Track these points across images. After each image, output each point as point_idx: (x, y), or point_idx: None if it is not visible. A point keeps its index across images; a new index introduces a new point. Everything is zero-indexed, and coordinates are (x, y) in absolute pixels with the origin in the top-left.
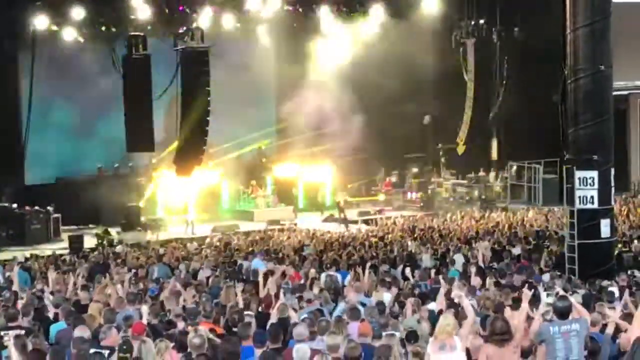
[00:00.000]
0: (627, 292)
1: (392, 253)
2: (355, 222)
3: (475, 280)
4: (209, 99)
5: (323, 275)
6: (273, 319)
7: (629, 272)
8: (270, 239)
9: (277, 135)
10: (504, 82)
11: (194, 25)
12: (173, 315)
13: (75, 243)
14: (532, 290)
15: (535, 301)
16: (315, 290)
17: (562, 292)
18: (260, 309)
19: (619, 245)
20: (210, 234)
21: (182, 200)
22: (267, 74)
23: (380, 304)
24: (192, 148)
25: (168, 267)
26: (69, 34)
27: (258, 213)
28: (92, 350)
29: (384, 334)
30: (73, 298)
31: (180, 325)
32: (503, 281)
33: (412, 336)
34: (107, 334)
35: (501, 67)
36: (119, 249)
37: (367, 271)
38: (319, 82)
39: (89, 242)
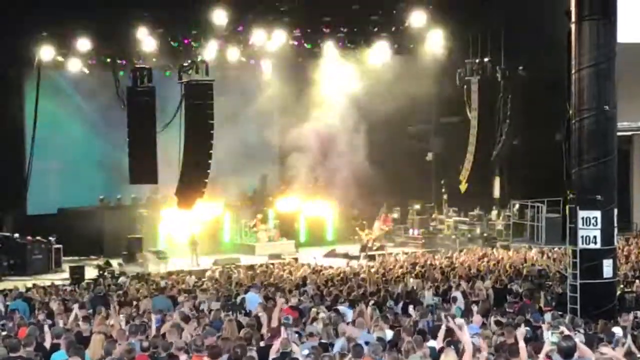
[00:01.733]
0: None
1: (394, 290)
2: (357, 257)
3: (477, 319)
4: (212, 132)
5: (324, 310)
6: (274, 353)
7: (632, 313)
8: (271, 273)
9: (280, 169)
10: (508, 120)
11: (199, 58)
12: (175, 349)
13: (76, 274)
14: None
15: (535, 340)
16: (318, 325)
17: (566, 332)
18: (262, 343)
19: (621, 286)
20: (211, 267)
21: (184, 233)
22: (270, 107)
23: (381, 341)
24: (194, 181)
25: (169, 300)
26: (74, 65)
27: (259, 247)
28: None
29: None
30: (75, 329)
31: (183, 358)
32: (504, 320)
33: None
34: None
35: (505, 105)
36: (120, 280)
37: (369, 307)
38: (323, 117)
39: (90, 273)
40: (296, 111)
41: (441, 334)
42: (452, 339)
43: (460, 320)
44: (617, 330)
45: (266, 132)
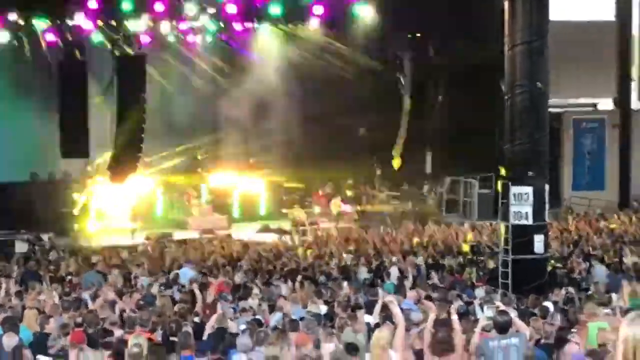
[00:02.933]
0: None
1: (327, 265)
2: (290, 232)
3: (411, 294)
4: (145, 105)
5: (257, 285)
6: (210, 328)
7: (563, 288)
8: (204, 248)
9: (213, 145)
10: (440, 96)
11: (132, 32)
12: (108, 324)
13: (6, 248)
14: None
15: (467, 315)
16: (253, 300)
17: (501, 307)
18: (196, 319)
19: (552, 262)
20: (143, 242)
21: (116, 207)
22: (205, 83)
23: (317, 316)
24: (127, 155)
25: (101, 275)
26: (3, 37)
27: (192, 222)
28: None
29: (322, 345)
30: (6, 304)
31: (117, 333)
32: (435, 295)
33: (352, 348)
34: (56, 342)
35: (437, 81)
36: (51, 255)
37: (301, 282)
38: (255, 92)
39: (21, 247)
40: (229, 85)
41: (377, 309)
42: (387, 314)
43: (391, 296)
44: (549, 305)
45: (199, 105)
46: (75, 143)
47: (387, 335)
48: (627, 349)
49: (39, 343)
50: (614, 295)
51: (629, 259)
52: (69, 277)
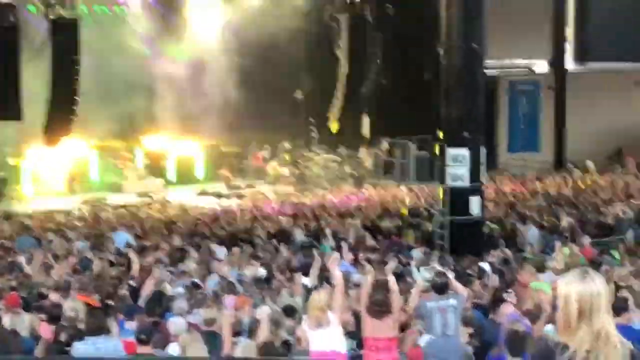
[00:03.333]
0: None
1: (264, 228)
2: (227, 196)
3: (348, 256)
4: (78, 68)
5: (195, 249)
6: (147, 292)
7: (499, 249)
8: (140, 211)
9: (148, 109)
10: (377, 59)
11: None
12: (44, 288)
13: None
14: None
15: (404, 277)
16: (190, 263)
17: (439, 268)
18: (132, 282)
19: (488, 223)
20: (79, 205)
21: (50, 171)
22: (139, 45)
23: (255, 279)
24: (61, 118)
25: (35, 239)
26: None
27: (127, 186)
28: None
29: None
30: None
31: (53, 297)
32: (373, 257)
33: (290, 311)
34: None
35: (374, 43)
36: None
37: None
38: (192, 55)
39: None
40: (164, 47)
41: (313, 271)
42: (324, 276)
43: (334, 255)
44: (485, 267)
45: (134, 68)
46: (7, 106)
47: (325, 297)
48: (575, 306)
49: None
50: (548, 257)
51: (564, 221)
52: (3, 242)
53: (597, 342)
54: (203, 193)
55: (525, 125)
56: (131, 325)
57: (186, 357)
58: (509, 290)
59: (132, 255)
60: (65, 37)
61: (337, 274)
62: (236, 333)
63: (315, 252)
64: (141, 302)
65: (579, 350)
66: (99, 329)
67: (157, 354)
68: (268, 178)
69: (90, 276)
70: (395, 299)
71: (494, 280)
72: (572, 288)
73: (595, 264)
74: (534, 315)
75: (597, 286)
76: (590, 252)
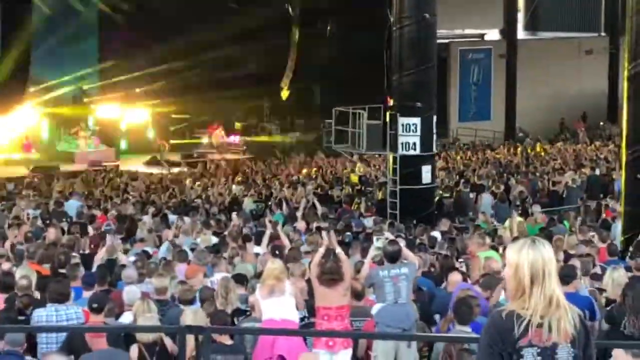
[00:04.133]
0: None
1: (218, 196)
2: (179, 164)
3: (300, 225)
4: (31, 33)
5: (147, 217)
6: (99, 260)
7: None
8: (91, 180)
9: (100, 76)
10: (329, 28)
11: None
12: None
13: None
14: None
15: (355, 245)
16: (143, 232)
17: (391, 237)
18: (85, 250)
19: (440, 192)
20: (29, 173)
21: (1, 139)
22: (92, 13)
23: (207, 246)
24: (13, 86)
25: None
26: None
27: (79, 154)
28: None
29: (214, 275)
30: None
31: (5, 266)
32: (325, 224)
33: (242, 279)
34: None
35: (326, 12)
36: None
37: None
38: (145, 24)
39: None
40: (116, 14)
41: (265, 239)
42: (275, 245)
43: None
44: (436, 235)
45: (87, 36)
46: None
47: (280, 265)
48: (527, 272)
49: None
50: (499, 225)
51: (515, 190)
52: None
53: (550, 308)
54: (154, 161)
55: (477, 94)
56: (87, 294)
57: (138, 326)
58: (460, 259)
59: (84, 223)
60: (17, 4)
61: (288, 244)
62: (187, 301)
63: (265, 220)
64: (94, 270)
65: (534, 316)
66: (63, 296)
67: (110, 322)
68: (219, 147)
69: (43, 244)
70: (346, 267)
71: (445, 248)
72: (523, 255)
73: (546, 233)
74: (486, 283)
75: (547, 253)
76: (541, 220)
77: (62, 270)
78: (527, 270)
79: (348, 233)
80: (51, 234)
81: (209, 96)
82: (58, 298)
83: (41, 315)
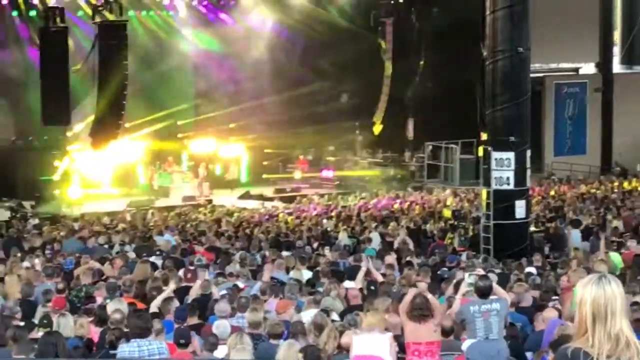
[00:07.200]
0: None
1: (309, 231)
2: (272, 199)
3: (389, 259)
4: (126, 72)
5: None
6: (193, 294)
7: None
8: (185, 214)
9: (194, 112)
10: (422, 62)
11: None
12: (91, 290)
13: None
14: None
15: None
16: (235, 266)
17: (482, 272)
18: (179, 285)
19: (532, 226)
20: (125, 208)
21: (97, 174)
22: (185, 50)
23: (299, 282)
24: (108, 122)
25: (82, 242)
26: None
27: (174, 189)
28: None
29: (303, 311)
30: None
31: (99, 299)
32: (418, 260)
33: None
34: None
35: (419, 47)
36: (33, 222)
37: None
38: (237, 60)
39: (1, 215)
40: (210, 51)
41: (360, 274)
42: (371, 280)
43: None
44: (530, 270)
45: (181, 73)
46: (57, 110)
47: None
48: (589, 309)
49: (23, 310)
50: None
51: (610, 225)
52: (51, 244)
53: (617, 347)
54: (247, 196)
55: (572, 128)
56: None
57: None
58: (554, 295)
59: (178, 258)
60: (113, 40)
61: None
62: (277, 335)
63: (361, 255)
64: (187, 303)
65: (600, 356)
66: (143, 331)
67: (205, 357)
68: (312, 181)
69: (136, 278)
70: (435, 303)
71: (538, 284)
72: (587, 292)
73: (636, 268)
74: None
75: (612, 290)
76: (631, 255)
77: (155, 304)
78: (589, 307)
79: (444, 268)
80: (144, 268)
81: (301, 131)
82: (139, 333)
83: (124, 351)
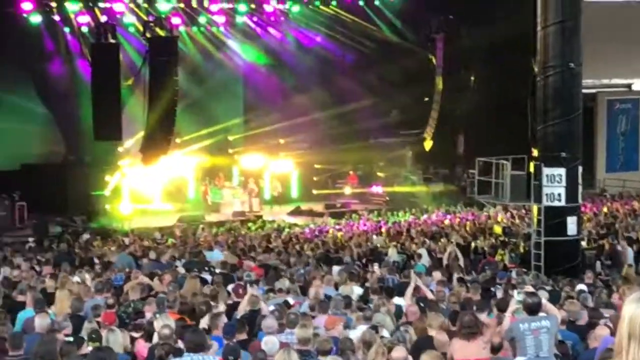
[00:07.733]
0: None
1: (359, 247)
2: (322, 215)
3: (437, 275)
4: (177, 88)
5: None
6: (242, 310)
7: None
8: (235, 230)
9: (244, 127)
10: (472, 77)
11: (163, 13)
12: (140, 305)
13: (40, 231)
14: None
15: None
16: (285, 282)
17: (531, 289)
18: (228, 300)
19: (583, 244)
20: (176, 223)
21: (148, 189)
22: (235, 66)
23: (348, 298)
24: (159, 137)
25: (132, 257)
26: (36, 19)
27: (224, 204)
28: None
29: (353, 327)
30: (39, 286)
31: (148, 315)
32: (468, 277)
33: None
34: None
35: (469, 62)
36: (84, 237)
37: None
38: (286, 75)
39: (53, 230)
40: (260, 66)
41: (409, 290)
42: (420, 297)
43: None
44: (581, 287)
45: (231, 87)
46: (108, 126)
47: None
48: (625, 327)
49: (73, 325)
50: None
51: None
52: (101, 259)
53: None
54: (298, 211)
55: (624, 144)
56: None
57: None
58: (606, 313)
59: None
60: (163, 56)
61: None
62: (325, 352)
63: (410, 271)
64: (237, 319)
65: None
66: (198, 346)
67: None
68: (362, 197)
69: (185, 294)
70: (485, 321)
71: (590, 301)
72: (626, 310)
73: None
74: None
75: None
76: None
77: (204, 319)
78: (626, 325)
79: (498, 285)
80: (193, 283)
81: (351, 146)
82: (194, 348)
83: None
